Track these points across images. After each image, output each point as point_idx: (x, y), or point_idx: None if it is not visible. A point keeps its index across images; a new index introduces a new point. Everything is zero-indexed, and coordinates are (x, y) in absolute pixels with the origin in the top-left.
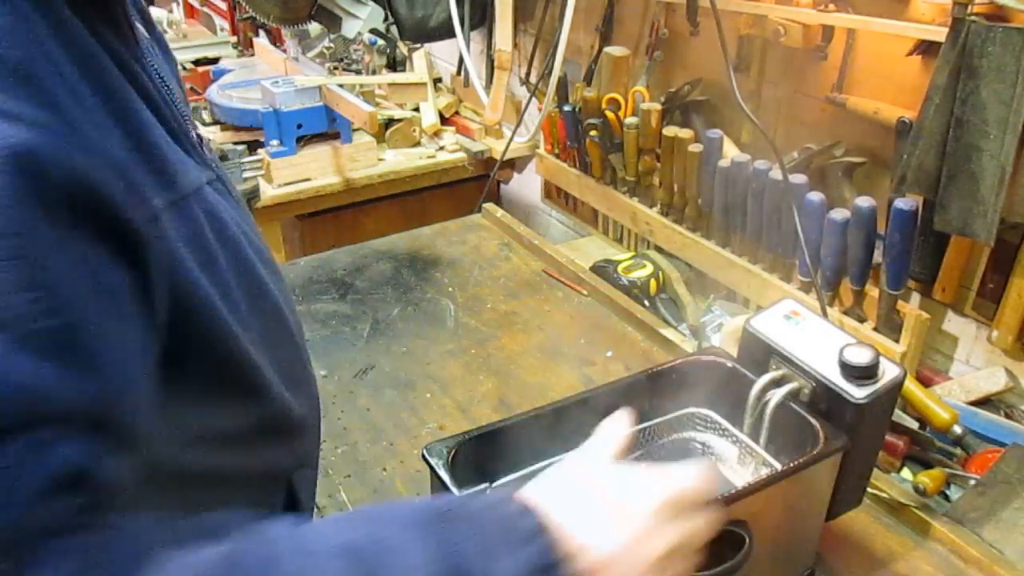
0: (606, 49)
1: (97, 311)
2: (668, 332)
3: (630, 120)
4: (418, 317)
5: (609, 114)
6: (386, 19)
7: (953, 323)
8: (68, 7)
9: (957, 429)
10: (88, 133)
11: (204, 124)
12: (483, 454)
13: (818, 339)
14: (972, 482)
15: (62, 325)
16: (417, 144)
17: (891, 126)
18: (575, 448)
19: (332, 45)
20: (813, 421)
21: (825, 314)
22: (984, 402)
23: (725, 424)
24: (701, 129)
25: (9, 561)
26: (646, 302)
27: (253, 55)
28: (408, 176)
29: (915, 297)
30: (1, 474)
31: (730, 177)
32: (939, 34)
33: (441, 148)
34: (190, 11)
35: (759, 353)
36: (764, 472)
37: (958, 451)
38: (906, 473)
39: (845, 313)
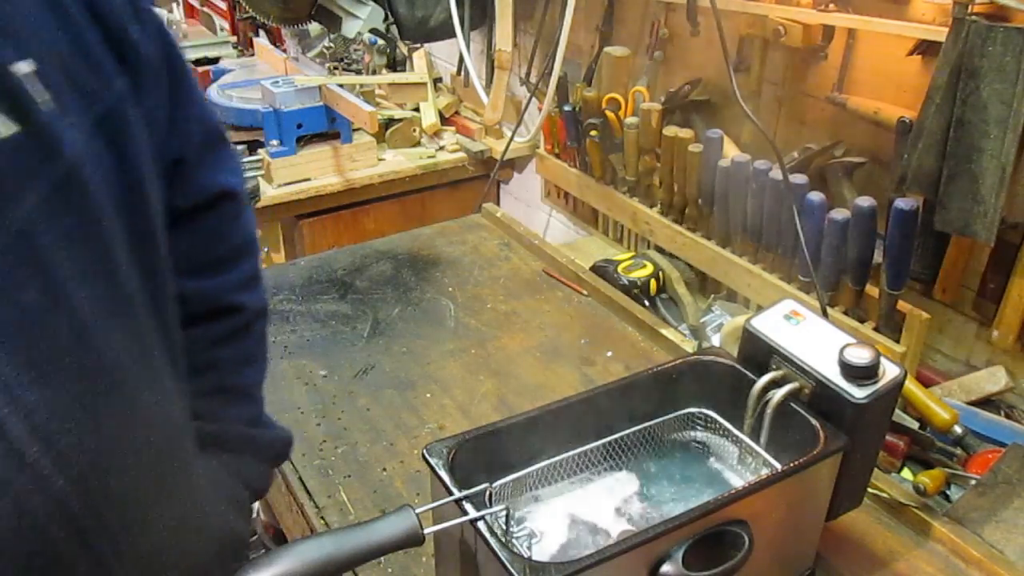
0: (606, 49)
1: None
2: (668, 332)
3: (630, 120)
4: (418, 317)
5: (609, 114)
6: (386, 19)
7: (953, 323)
8: None
9: (957, 429)
10: None
11: None
12: (483, 454)
13: (818, 339)
14: (972, 482)
15: None
16: (417, 144)
17: (891, 126)
18: (574, 448)
19: (332, 45)
20: (813, 421)
21: (825, 314)
22: (984, 402)
23: (725, 424)
24: (701, 129)
25: None
26: (646, 302)
27: (253, 55)
28: (408, 176)
29: (915, 297)
30: None
31: (730, 177)
32: (939, 34)
33: (441, 148)
34: (190, 11)
35: (759, 353)
36: (764, 472)
37: (958, 451)
38: (906, 473)
39: (845, 313)
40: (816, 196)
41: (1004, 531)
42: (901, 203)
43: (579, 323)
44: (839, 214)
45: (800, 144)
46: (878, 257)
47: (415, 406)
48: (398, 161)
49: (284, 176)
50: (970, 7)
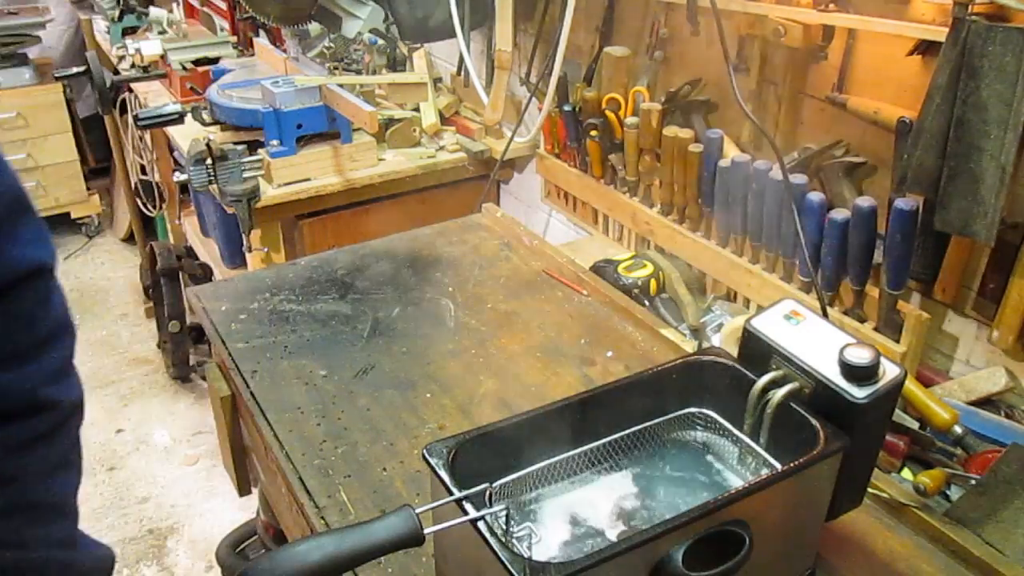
0: (606, 49)
1: None
2: (668, 332)
3: (630, 120)
4: (418, 317)
5: (609, 114)
6: (386, 19)
7: (953, 323)
8: None
9: (957, 429)
10: None
11: (204, 124)
12: (483, 454)
13: (818, 339)
14: (972, 482)
15: None
16: (417, 144)
17: (891, 126)
18: (574, 448)
19: (332, 45)
20: (813, 421)
21: (825, 314)
22: (984, 402)
23: (725, 424)
24: (701, 129)
25: None
26: (646, 302)
27: (253, 55)
28: (408, 176)
29: (915, 297)
30: None
31: (730, 177)
32: (939, 34)
33: (441, 148)
34: (190, 11)
35: (759, 353)
36: (764, 472)
37: (958, 451)
38: (906, 473)
39: (845, 313)
40: (816, 196)
41: (1004, 531)
42: (901, 203)
43: (579, 323)
44: (839, 214)
45: (800, 144)
46: (878, 257)
47: (415, 406)
48: (398, 161)
49: (284, 176)
50: (970, 7)
